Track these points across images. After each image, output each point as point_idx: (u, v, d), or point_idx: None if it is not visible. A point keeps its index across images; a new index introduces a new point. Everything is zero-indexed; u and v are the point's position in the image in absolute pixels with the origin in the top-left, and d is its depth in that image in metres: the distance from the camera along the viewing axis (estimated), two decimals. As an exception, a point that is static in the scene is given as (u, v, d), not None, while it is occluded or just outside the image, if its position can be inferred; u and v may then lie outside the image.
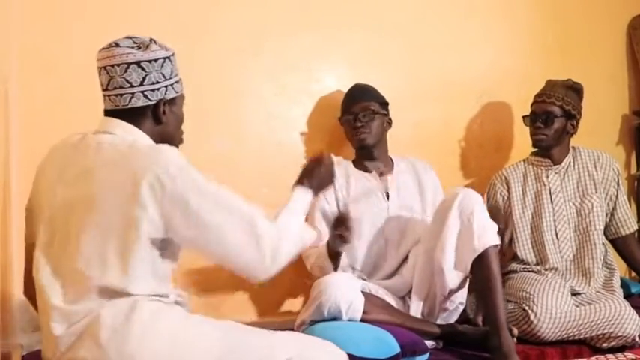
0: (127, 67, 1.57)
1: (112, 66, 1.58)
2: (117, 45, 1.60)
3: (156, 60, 1.59)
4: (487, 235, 2.23)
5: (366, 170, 2.63)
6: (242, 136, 2.69)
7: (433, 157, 2.90)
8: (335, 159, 2.26)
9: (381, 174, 2.63)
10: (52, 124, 2.28)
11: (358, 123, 2.56)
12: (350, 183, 2.60)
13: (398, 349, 2.01)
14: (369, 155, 2.63)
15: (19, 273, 2.16)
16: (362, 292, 2.22)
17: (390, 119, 2.65)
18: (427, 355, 2.13)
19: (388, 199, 2.60)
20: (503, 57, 3.20)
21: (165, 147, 1.57)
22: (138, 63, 1.57)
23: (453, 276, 2.27)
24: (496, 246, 2.25)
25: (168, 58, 1.63)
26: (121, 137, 1.58)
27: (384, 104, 2.64)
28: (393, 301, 2.39)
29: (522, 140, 2.88)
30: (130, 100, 1.59)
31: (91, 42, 2.32)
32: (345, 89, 2.73)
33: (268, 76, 2.70)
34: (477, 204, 2.28)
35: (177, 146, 1.68)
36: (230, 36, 2.61)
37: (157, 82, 1.60)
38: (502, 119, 3.17)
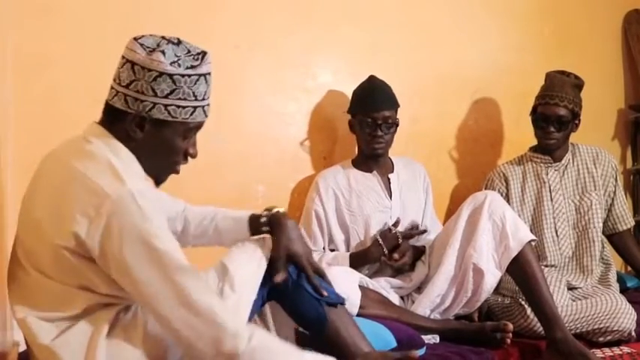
0: (124, 64, 1.48)
1: (121, 57, 1.49)
2: (134, 38, 1.49)
3: (149, 69, 1.44)
4: (521, 233, 2.29)
5: (367, 170, 2.63)
6: (237, 133, 2.69)
7: (428, 153, 2.91)
8: None
9: (382, 173, 2.63)
10: (47, 123, 2.28)
11: (378, 132, 2.50)
12: (351, 184, 2.59)
13: (395, 344, 2.02)
14: (373, 159, 2.62)
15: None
16: (359, 286, 2.21)
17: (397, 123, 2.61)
18: (424, 349, 2.13)
19: (391, 198, 2.60)
20: (498, 52, 3.20)
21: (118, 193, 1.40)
22: (132, 63, 1.46)
23: (491, 277, 2.32)
24: (530, 242, 2.31)
25: (170, 75, 1.44)
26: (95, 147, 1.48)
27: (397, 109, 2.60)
28: (393, 298, 2.39)
29: (518, 135, 2.89)
30: (113, 97, 1.50)
31: (86, 40, 2.36)
32: (341, 86, 2.72)
33: (264, 72, 2.70)
34: (505, 205, 2.37)
35: (157, 178, 1.58)
36: (226, 32, 2.61)
37: (143, 94, 1.45)
38: (497, 115, 3.17)
